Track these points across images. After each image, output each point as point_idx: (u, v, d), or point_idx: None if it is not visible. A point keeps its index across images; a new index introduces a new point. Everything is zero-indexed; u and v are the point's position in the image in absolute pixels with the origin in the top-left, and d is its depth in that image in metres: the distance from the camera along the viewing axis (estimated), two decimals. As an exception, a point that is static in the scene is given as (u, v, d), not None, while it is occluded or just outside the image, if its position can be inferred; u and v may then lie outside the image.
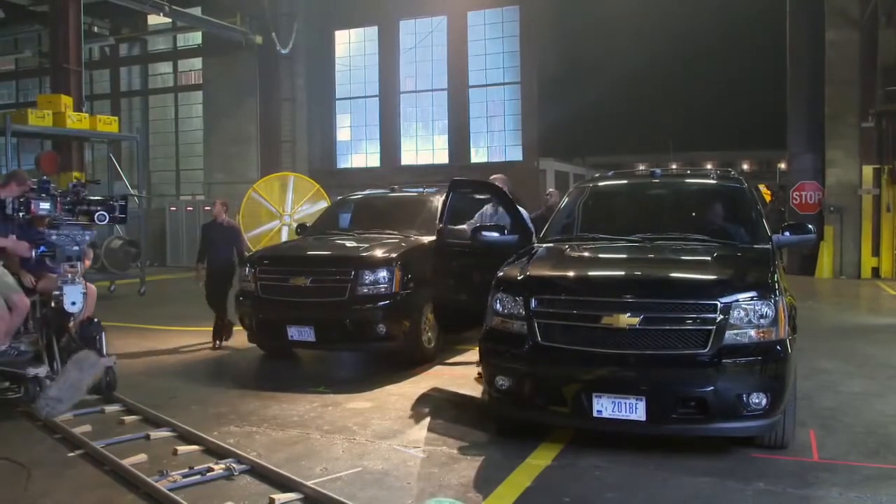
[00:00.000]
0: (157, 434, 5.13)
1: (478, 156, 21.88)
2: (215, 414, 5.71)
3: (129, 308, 12.14)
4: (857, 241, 16.00)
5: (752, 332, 4.31)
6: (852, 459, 4.52)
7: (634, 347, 4.37)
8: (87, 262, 6.21)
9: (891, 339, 8.81)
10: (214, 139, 22.90)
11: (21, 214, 5.73)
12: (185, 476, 4.22)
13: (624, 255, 5.38)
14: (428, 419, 5.52)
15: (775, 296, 4.41)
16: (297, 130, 22.47)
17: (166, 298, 13.99)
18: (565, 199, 6.64)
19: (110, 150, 16.36)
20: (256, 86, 21.92)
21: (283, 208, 15.06)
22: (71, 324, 5.96)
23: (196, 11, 20.73)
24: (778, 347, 4.33)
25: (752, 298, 4.37)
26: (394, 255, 7.17)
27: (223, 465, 4.38)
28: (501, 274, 5.08)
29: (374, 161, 23.09)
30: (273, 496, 3.91)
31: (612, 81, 18.51)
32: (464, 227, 7.27)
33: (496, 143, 21.77)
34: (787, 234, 5.40)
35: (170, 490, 3.99)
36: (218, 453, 4.66)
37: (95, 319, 6.19)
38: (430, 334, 7.46)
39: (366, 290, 6.97)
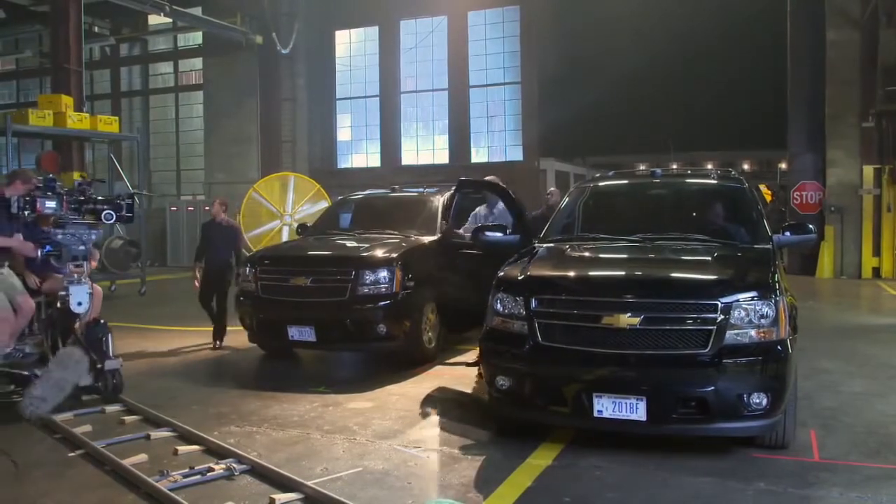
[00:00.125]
0: (157, 434, 5.13)
1: (478, 156, 21.88)
2: (216, 414, 5.71)
3: (129, 308, 12.14)
4: (857, 242, 16.00)
5: (753, 332, 4.31)
6: (853, 459, 4.51)
7: (635, 347, 4.37)
8: (94, 263, 6.12)
9: (891, 339, 8.80)
10: (215, 139, 22.90)
11: (27, 213, 5.64)
12: (185, 476, 4.22)
13: (624, 255, 5.37)
14: (428, 419, 5.53)
15: (776, 296, 4.41)
16: (298, 130, 22.47)
17: (167, 298, 13.99)
18: (566, 199, 6.64)
19: (111, 151, 16.35)
20: (257, 86, 21.92)
21: (284, 208, 15.08)
22: (77, 325, 5.89)
23: (196, 11, 20.73)
24: (778, 347, 4.33)
25: (752, 298, 4.37)
26: (394, 255, 7.17)
27: (224, 465, 4.38)
28: (502, 274, 5.08)
29: (374, 161, 23.09)
30: (273, 496, 3.91)
31: (613, 81, 18.51)
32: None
33: (497, 143, 21.77)
34: (787, 234, 5.40)
35: (170, 490, 3.99)
36: (218, 453, 4.66)
37: (102, 321, 6.09)
38: (430, 334, 7.46)
39: (366, 290, 6.96)
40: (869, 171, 15.85)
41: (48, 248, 5.74)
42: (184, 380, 7.04)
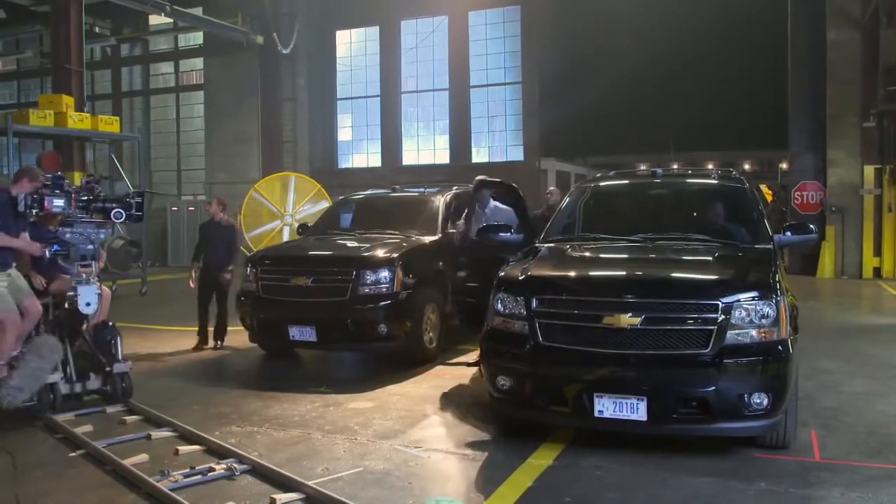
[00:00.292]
0: (158, 434, 5.13)
1: (479, 156, 21.87)
2: (216, 414, 5.71)
3: (130, 308, 12.14)
4: (858, 241, 16.00)
5: (754, 332, 4.31)
6: (854, 459, 4.51)
7: (636, 347, 4.37)
8: (101, 262, 6.00)
9: (892, 339, 8.80)
10: (216, 139, 22.90)
11: (34, 211, 5.49)
12: (186, 476, 4.22)
13: (625, 255, 5.37)
14: (429, 419, 5.53)
15: (777, 296, 4.41)
16: (299, 130, 22.48)
17: (167, 298, 13.99)
18: (566, 199, 6.64)
19: (112, 151, 16.37)
20: (258, 86, 21.92)
21: (285, 208, 15.07)
22: (85, 327, 5.82)
23: (197, 11, 20.73)
24: (779, 347, 4.33)
25: (753, 298, 4.37)
26: (395, 255, 7.17)
27: (224, 465, 4.38)
28: (503, 274, 5.09)
29: (375, 161, 23.08)
30: (274, 496, 3.91)
31: (613, 81, 18.47)
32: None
33: (497, 143, 21.75)
34: (788, 234, 5.40)
35: (171, 490, 4.00)
36: (219, 453, 4.67)
37: (111, 323, 6.03)
38: (431, 334, 7.47)
39: (367, 290, 6.97)
40: (870, 170, 15.85)
41: (56, 247, 5.61)
42: (184, 380, 7.04)
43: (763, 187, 23.62)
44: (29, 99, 25.42)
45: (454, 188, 8.78)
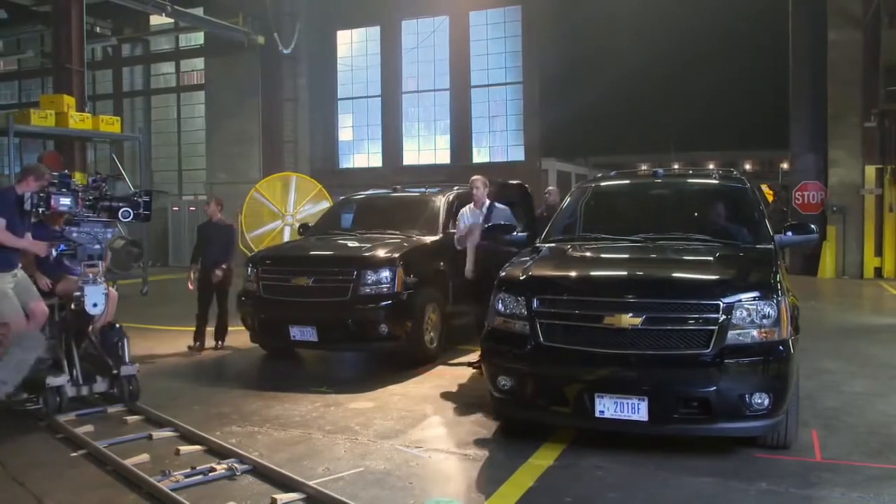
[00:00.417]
0: (159, 434, 5.13)
1: (480, 156, 21.85)
2: (217, 414, 5.72)
3: (131, 308, 12.11)
4: (859, 242, 15.99)
5: (755, 333, 4.31)
6: (855, 459, 4.51)
7: (637, 347, 4.37)
8: (107, 262, 5.92)
9: (893, 340, 8.79)
10: (217, 139, 22.90)
11: (41, 210, 5.40)
12: (187, 476, 4.23)
13: (626, 256, 5.37)
14: (430, 419, 5.53)
15: (778, 296, 4.40)
16: (300, 130, 22.47)
17: (168, 298, 13.99)
18: (567, 200, 6.64)
19: (113, 151, 16.38)
20: (258, 86, 21.92)
21: (286, 208, 15.08)
22: (91, 328, 5.77)
23: (198, 12, 20.72)
24: (780, 347, 4.33)
25: (754, 298, 4.37)
26: (396, 255, 7.17)
27: (225, 465, 4.38)
28: (504, 274, 5.09)
29: (376, 161, 23.07)
30: (275, 496, 3.92)
31: (613, 81, 18.43)
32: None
33: (498, 143, 21.74)
34: (789, 234, 5.41)
35: (172, 490, 4.00)
36: (220, 453, 4.67)
37: (118, 325, 5.98)
38: (432, 334, 7.47)
39: (368, 290, 6.97)
40: (871, 170, 15.84)
41: (63, 246, 5.52)
42: (185, 380, 7.05)
43: (764, 187, 23.59)
44: (30, 99, 25.42)
45: (455, 188, 8.78)
